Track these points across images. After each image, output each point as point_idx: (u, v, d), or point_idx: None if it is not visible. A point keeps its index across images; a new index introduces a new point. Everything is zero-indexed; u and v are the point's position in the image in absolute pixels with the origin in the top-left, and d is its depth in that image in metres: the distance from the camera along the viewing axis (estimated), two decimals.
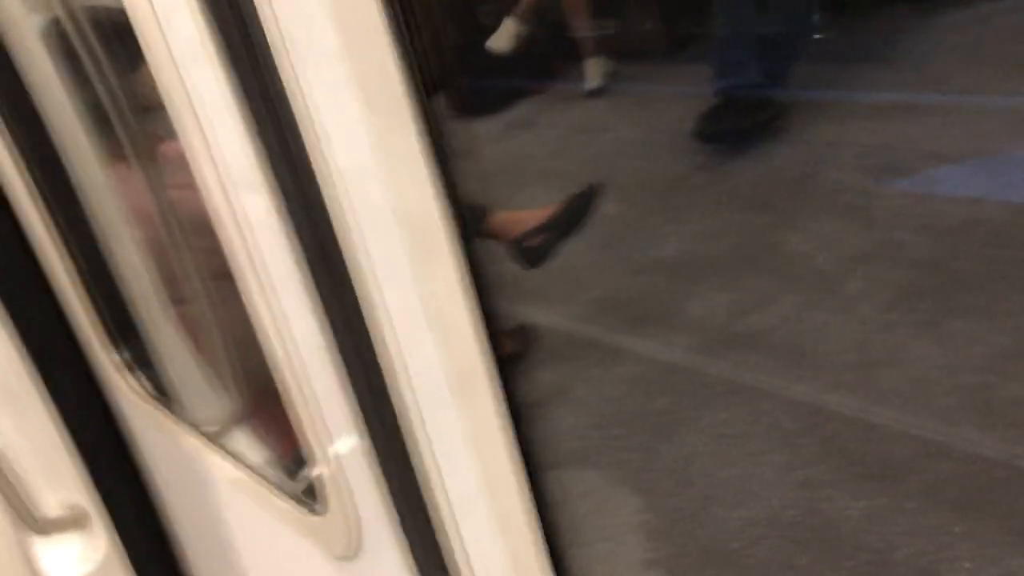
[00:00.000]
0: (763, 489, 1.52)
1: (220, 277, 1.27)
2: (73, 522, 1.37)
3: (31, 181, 1.26)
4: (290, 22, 0.59)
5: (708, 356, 1.69)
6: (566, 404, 1.66)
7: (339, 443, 0.80)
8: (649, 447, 1.66)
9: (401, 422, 0.71)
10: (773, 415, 1.55)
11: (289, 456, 1.16)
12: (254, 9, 0.61)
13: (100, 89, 1.27)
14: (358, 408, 0.75)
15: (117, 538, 1.38)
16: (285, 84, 0.62)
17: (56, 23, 1.27)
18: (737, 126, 2.60)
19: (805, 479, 1.48)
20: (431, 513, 0.73)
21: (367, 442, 0.76)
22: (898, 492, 1.37)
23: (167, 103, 0.76)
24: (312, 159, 0.63)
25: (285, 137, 0.65)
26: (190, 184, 1.22)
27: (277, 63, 0.61)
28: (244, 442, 1.23)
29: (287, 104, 0.62)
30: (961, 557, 1.25)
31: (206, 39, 0.65)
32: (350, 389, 0.74)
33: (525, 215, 2.08)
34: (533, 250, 2.06)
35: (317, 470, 0.84)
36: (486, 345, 0.64)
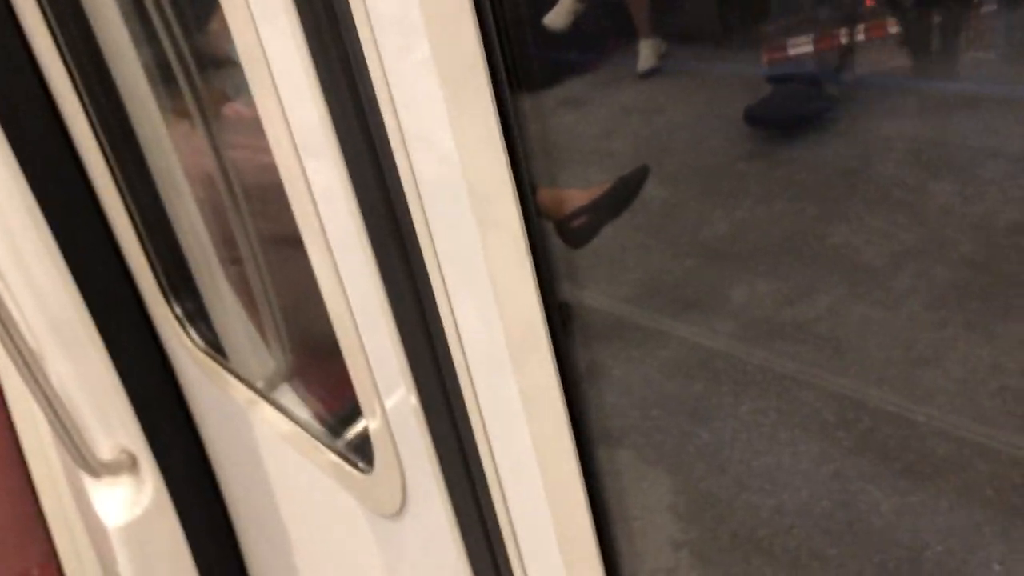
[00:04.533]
0: (796, 479, 1.52)
1: (275, 239, 1.30)
2: (125, 466, 1.42)
3: (99, 134, 1.29)
4: None
5: (750, 343, 1.69)
6: (605, 383, 1.67)
7: (389, 399, 0.82)
8: (685, 430, 1.67)
9: (453, 383, 0.73)
10: (812, 406, 1.55)
11: (333, 415, 1.19)
12: None
13: (167, 46, 1.29)
14: (409, 366, 0.77)
15: (166, 483, 1.42)
16: (362, 46, 0.63)
17: None
18: (788, 114, 2.58)
19: (839, 471, 1.48)
20: (478, 474, 0.75)
21: (417, 400, 0.77)
22: (933, 490, 1.36)
23: (243, 61, 0.78)
24: (382, 114, 0.65)
25: (356, 92, 0.66)
26: (252, 146, 1.25)
27: (355, 24, 0.62)
28: (290, 398, 1.27)
29: (363, 67, 0.63)
30: (992, 559, 1.25)
31: None
32: (401, 346, 0.76)
33: (572, 194, 2.08)
34: (579, 229, 2.06)
35: (367, 425, 0.86)
36: (544, 315, 0.66)
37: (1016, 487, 1.27)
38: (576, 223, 2.19)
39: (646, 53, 2.78)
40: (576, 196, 2.24)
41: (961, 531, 1.27)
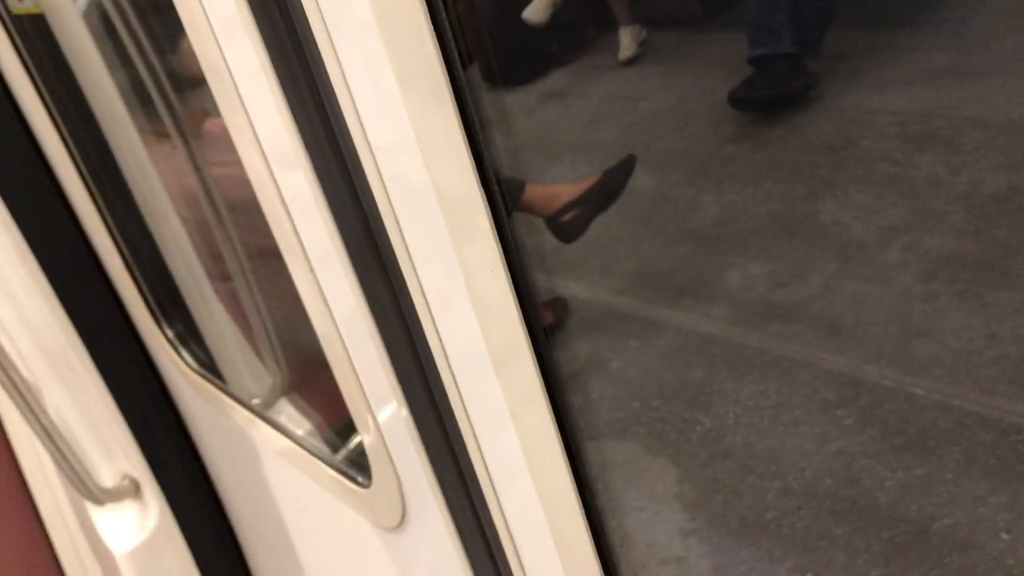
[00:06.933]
0: (800, 460, 1.52)
1: (263, 254, 1.29)
2: (128, 491, 1.42)
3: (78, 162, 1.28)
4: None
5: (746, 327, 1.68)
6: (604, 375, 1.66)
7: (381, 414, 0.82)
8: (687, 418, 1.66)
9: (441, 393, 0.72)
10: (811, 386, 1.54)
11: (331, 427, 1.19)
12: None
13: (142, 68, 1.29)
14: (397, 379, 0.76)
15: (170, 507, 1.42)
16: (323, 59, 0.62)
17: (97, 3, 1.29)
18: (772, 94, 2.57)
19: (842, 450, 1.48)
20: (472, 483, 0.75)
21: (408, 412, 0.77)
22: (937, 463, 1.36)
23: (209, 79, 0.78)
24: (351, 134, 0.64)
25: (324, 112, 0.65)
26: (234, 161, 1.25)
27: (315, 38, 0.62)
28: (288, 414, 1.26)
29: (325, 80, 0.63)
30: (999, 528, 1.25)
31: (245, 13, 0.66)
32: (389, 361, 0.76)
33: (561, 189, 2.07)
34: (569, 224, 2.05)
35: (362, 440, 0.86)
36: (523, 317, 0.65)
37: (1020, 455, 1.26)
38: (566, 218, 2.18)
39: (626, 41, 2.76)
40: (565, 191, 2.23)
41: (967, 503, 1.27)
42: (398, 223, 0.65)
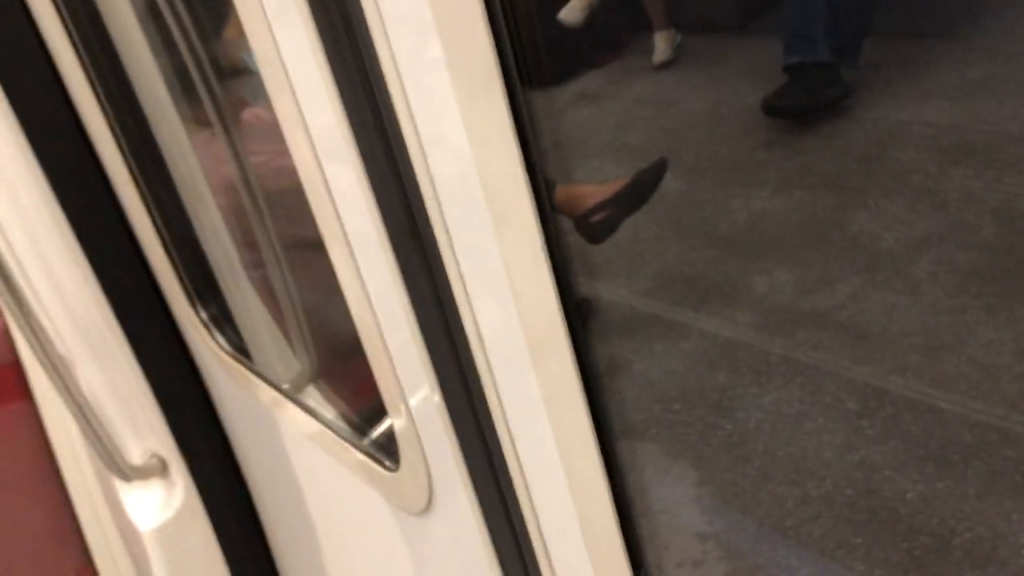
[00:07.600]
0: (821, 468, 1.52)
1: (298, 241, 1.31)
2: (155, 470, 1.44)
3: (121, 142, 1.31)
4: None
5: (771, 334, 1.68)
6: (628, 377, 1.67)
7: (414, 398, 0.83)
8: (709, 422, 1.66)
9: (475, 381, 0.73)
10: (835, 395, 1.54)
11: (357, 415, 1.20)
12: None
13: (186, 54, 1.31)
14: (432, 364, 0.77)
15: (196, 486, 1.44)
16: (375, 48, 0.63)
17: None
18: (806, 102, 2.56)
19: (864, 460, 1.47)
20: (502, 471, 0.76)
21: (440, 398, 0.78)
22: (960, 477, 1.35)
23: (260, 66, 0.79)
24: (399, 121, 0.65)
25: (373, 99, 0.66)
26: (271, 150, 1.27)
27: (368, 26, 0.63)
28: (315, 399, 1.28)
29: (377, 69, 0.64)
30: (1021, 544, 1.24)
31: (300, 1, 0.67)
32: (424, 346, 0.77)
33: (591, 189, 2.07)
34: (598, 225, 2.05)
35: (393, 425, 0.87)
36: (562, 311, 0.66)
37: None
38: (596, 219, 2.18)
39: (661, 45, 2.76)
40: (595, 191, 2.23)
41: (988, 518, 1.26)
42: (441, 210, 0.66)
